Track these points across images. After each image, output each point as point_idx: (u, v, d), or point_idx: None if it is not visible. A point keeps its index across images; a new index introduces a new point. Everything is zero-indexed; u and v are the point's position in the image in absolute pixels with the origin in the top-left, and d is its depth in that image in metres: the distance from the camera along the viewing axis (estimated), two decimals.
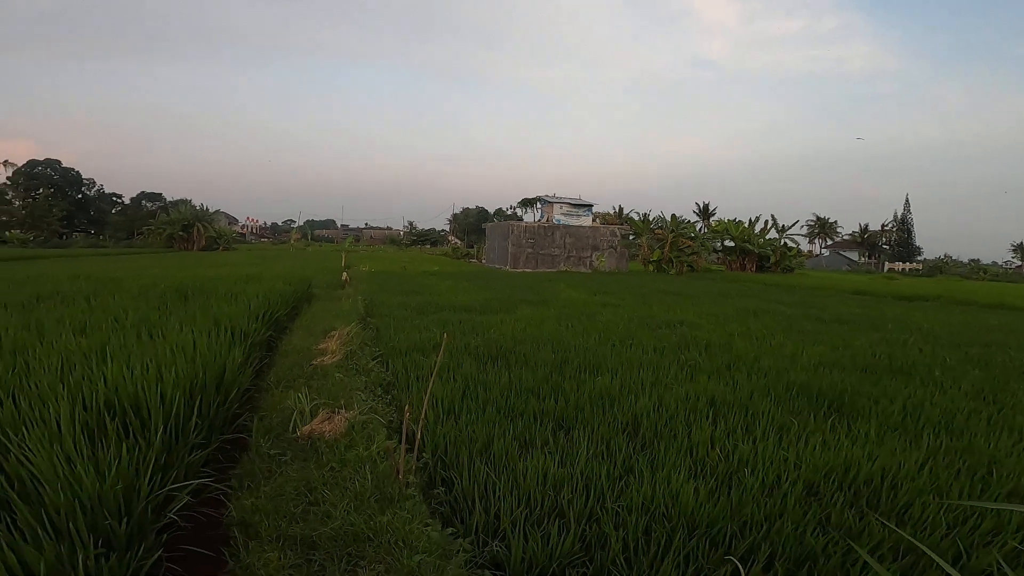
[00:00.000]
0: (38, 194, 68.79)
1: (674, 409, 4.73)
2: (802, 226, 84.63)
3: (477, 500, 3.09)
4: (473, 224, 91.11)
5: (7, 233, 59.73)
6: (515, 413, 4.57)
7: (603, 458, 3.69)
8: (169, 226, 55.03)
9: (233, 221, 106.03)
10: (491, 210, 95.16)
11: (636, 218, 41.15)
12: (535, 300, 13.16)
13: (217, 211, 70.26)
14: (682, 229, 35.50)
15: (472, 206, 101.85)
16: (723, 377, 5.94)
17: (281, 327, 8.77)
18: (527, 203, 68.39)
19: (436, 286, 16.74)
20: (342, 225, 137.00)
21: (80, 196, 75.27)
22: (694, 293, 17.29)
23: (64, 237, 67.27)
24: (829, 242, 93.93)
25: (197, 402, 3.29)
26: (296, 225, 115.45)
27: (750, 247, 37.36)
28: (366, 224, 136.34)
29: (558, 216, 35.33)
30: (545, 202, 37.20)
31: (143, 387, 3.15)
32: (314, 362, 6.09)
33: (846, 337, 9.04)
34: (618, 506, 3.13)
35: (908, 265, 74.72)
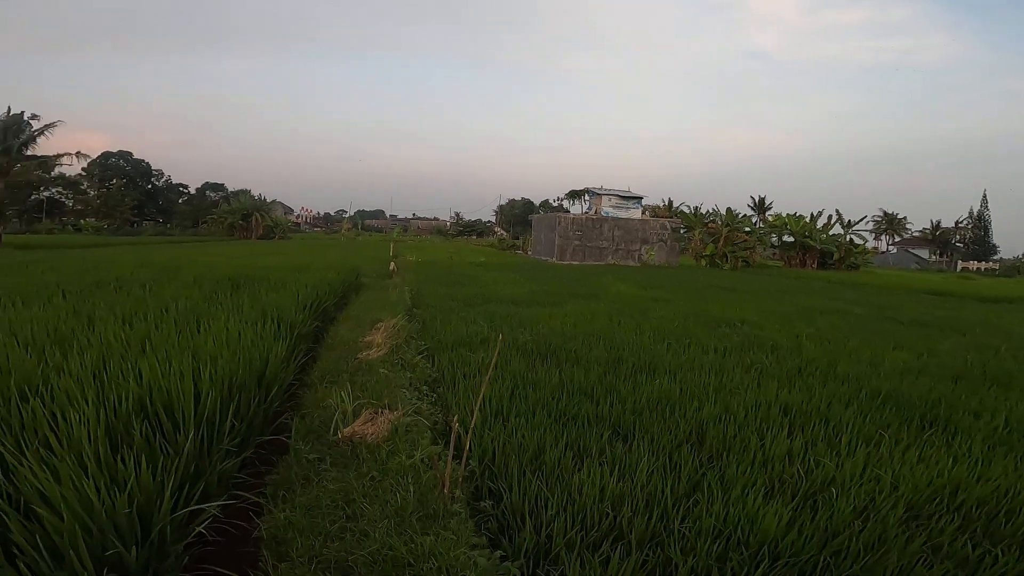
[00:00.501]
0: (111, 184, 72.51)
1: (743, 418, 4.31)
2: (868, 221, 79.93)
3: (527, 517, 2.80)
4: (519, 216, 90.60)
5: (82, 221, 63.47)
6: (567, 417, 4.26)
7: (666, 472, 3.35)
8: (230, 215, 57.40)
9: (289, 211, 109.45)
10: (537, 202, 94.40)
11: (687, 211, 39.86)
12: (584, 294, 12.79)
13: (274, 201, 72.78)
14: (738, 223, 34.15)
15: (518, 198, 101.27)
16: (795, 383, 5.43)
17: (329, 317, 8.73)
18: (574, 195, 67.24)
19: (482, 277, 16.60)
20: (391, 215, 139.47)
21: (150, 186, 79.10)
22: (751, 289, 16.48)
23: (135, 225, 70.87)
24: (897, 239, 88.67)
25: (235, 401, 3.10)
26: (347, 215, 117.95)
27: (811, 242, 35.54)
28: (413, 215, 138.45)
29: (606, 208, 34.52)
30: (593, 194, 36.41)
31: (178, 385, 2.99)
32: (359, 356, 5.95)
33: (928, 341, 8.27)
34: (685, 528, 2.80)
35: (983, 264, 69.64)
